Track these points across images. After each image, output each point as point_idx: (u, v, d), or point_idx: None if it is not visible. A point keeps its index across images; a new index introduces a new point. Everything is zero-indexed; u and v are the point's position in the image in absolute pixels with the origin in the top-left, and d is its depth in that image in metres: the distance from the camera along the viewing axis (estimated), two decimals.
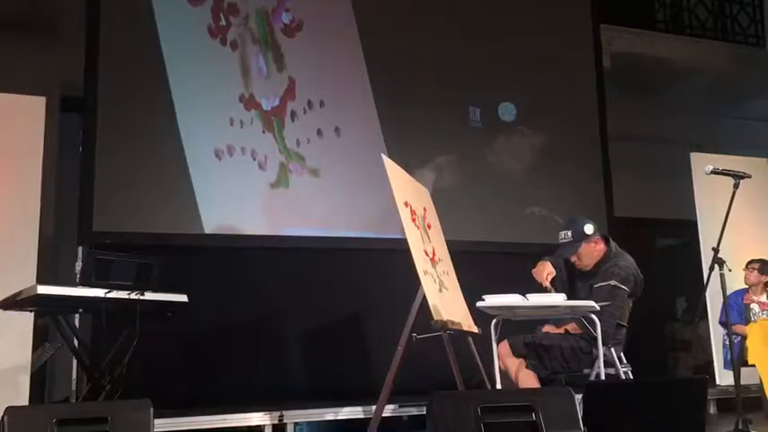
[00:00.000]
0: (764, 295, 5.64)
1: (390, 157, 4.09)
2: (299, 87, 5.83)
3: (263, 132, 5.69)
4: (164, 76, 5.45)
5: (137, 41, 5.47)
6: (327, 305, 5.62)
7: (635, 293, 3.95)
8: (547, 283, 3.91)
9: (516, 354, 3.85)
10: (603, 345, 3.64)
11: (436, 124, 6.15)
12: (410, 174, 4.34)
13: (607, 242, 4.04)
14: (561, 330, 3.96)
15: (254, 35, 5.81)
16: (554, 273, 3.96)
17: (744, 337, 5.11)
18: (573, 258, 4.00)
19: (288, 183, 5.72)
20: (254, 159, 5.63)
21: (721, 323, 5.59)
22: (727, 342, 5.24)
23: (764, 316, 5.50)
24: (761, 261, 5.68)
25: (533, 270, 4.02)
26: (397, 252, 3.82)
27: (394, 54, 6.11)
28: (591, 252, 3.97)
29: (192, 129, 5.48)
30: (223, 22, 5.72)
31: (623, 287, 3.82)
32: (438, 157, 6.11)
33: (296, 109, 5.81)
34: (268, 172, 5.66)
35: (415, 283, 3.63)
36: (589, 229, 3.92)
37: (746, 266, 5.67)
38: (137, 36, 5.48)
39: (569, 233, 3.94)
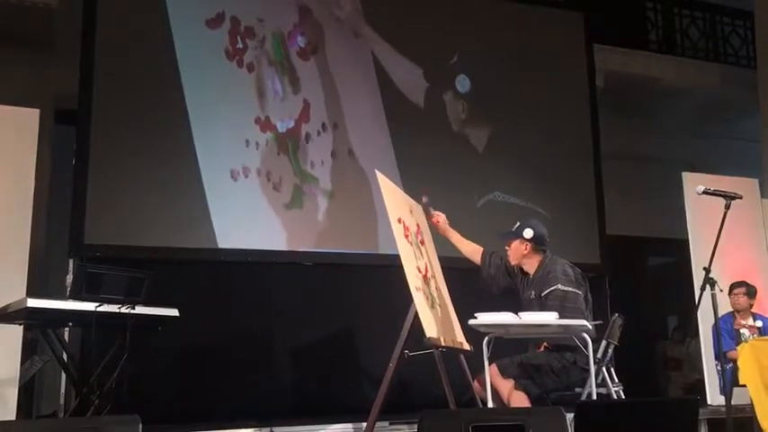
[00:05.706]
0: (750, 318, 5.62)
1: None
2: (313, 110, 5.89)
3: (278, 154, 5.73)
4: (179, 96, 5.47)
5: (145, 58, 5.48)
6: (320, 321, 5.60)
7: (584, 290, 3.96)
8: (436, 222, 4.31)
9: (505, 375, 3.84)
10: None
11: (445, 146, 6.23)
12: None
13: (542, 252, 4.06)
14: (541, 348, 3.95)
15: (270, 58, 5.85)
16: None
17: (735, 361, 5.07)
18: (506, 248, 4.12)
19: (302, 204, 5.74)
20: (269, 181, 5.66)
21: (716, 355, 5.52)
22: (719, 367, 5.19)
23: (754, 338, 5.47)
24: (745, 284, 5.66)
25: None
26: (393, 268, 3.80)
27: None
28: (517, 249, 4.05)
29: (208, 149, 5.50)
30: (240, 45, 5.75)
31: (569, 288, 3.86)
32: (445, 176, 6.12)
33: (310, 131, 5.85)
34: (282, 193, 5.68)
35: (409, 299, 3.62)
36: (528, 233, 4.02)
37: (731, 291, 5.61)
38: (143, 52, 5.48)
39: (517, 225, 4.10)
